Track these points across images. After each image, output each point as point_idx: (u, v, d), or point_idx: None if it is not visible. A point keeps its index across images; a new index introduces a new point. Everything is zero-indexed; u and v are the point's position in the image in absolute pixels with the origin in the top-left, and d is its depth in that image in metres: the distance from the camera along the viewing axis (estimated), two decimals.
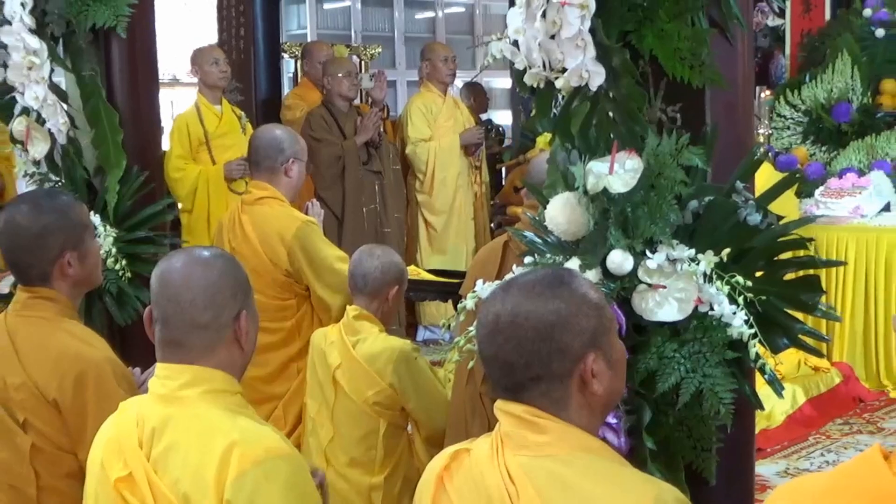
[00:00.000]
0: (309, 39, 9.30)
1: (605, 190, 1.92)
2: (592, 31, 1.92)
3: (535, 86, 2.05)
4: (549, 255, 2.12)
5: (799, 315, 2.06)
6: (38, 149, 3.29)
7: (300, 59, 7.54)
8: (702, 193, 2.00)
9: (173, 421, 1.78)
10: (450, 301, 5.15)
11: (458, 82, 7.57)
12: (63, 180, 3.32)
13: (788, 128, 6.80)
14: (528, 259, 2.15)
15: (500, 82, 10.91)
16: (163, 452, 1.76)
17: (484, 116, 8.07)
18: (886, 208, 5.96)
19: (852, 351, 5.66)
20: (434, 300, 6.18)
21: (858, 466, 1.25)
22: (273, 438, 1.79)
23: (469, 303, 2.18)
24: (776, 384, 2.00)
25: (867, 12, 6.83)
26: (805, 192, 6.12)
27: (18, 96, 3.27)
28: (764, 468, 4.40)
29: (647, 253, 1.94)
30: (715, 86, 2.02)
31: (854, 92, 6.59)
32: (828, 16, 7.18)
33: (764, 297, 1.96)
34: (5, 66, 3.23)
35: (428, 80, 6.88)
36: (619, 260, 1.93)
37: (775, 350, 2.01)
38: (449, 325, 2.34)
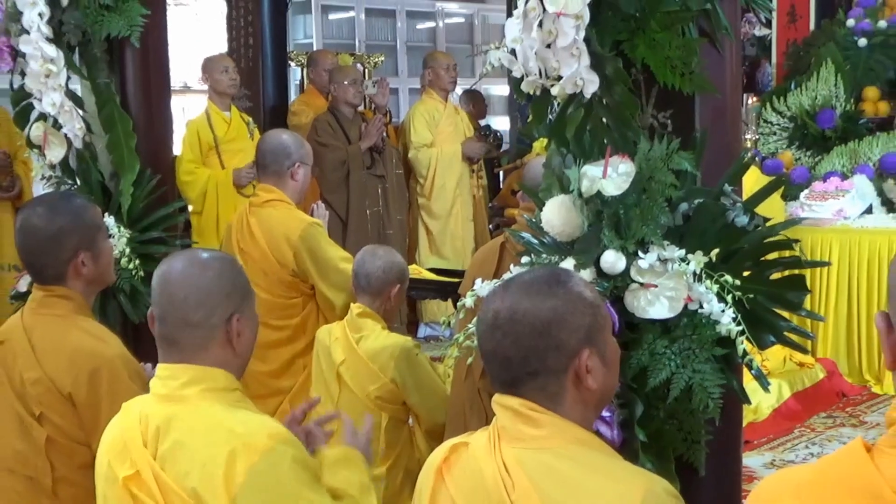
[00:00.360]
0: (315, 48, 9.31)
1: (598, 193, 1.93)
2: (587, 40, 1.94)
3: (531, 93, 2.06)
4: (545, 256, 2.12)
5: (785, 313, 2.07)
6: (55, 153, 3.32)
7: (306, 67, 7.56)
8: (692, 196, 2.01)
9: (177, 419, 1.80)
10: (450, 299, 5.15)
11: (458, 89, 7.61)
12: (78, 183, 3.35)
13: (775, 133, 6.83)
14: (524, 259, 2.15)
15: (499, 89, 10.95)
16: (169, 450, 1.78)
17: (482, 122, 8.05)
18: (868, 211, 5.99)
19: (836, 347, 5.68)
20: (434, 298, 6.19)
21: (842, 458, 1.26)
22: (272, 426, 1.82)
23: (468, 301, 2.18)
24: (762, 379, 2.00)
25: (850, 23, 6.86)
26: (791, 196, 6.15)
27: (36, 102, 3.31)
28: (751, 460, 4.42)
29: (639, 253, 1.95)
30: (704, 93, 2.03)
31: (837, 99, 6.62)
32: (812, 26, 7.21)
33: (751, 296, 1.97)
34: (24, 73, 3.28)
35: (430, 87, 6.89)
36: (612, 260, 1.95)
37: (762, 346, 2.02)
38: (449, 323, 2.35)
